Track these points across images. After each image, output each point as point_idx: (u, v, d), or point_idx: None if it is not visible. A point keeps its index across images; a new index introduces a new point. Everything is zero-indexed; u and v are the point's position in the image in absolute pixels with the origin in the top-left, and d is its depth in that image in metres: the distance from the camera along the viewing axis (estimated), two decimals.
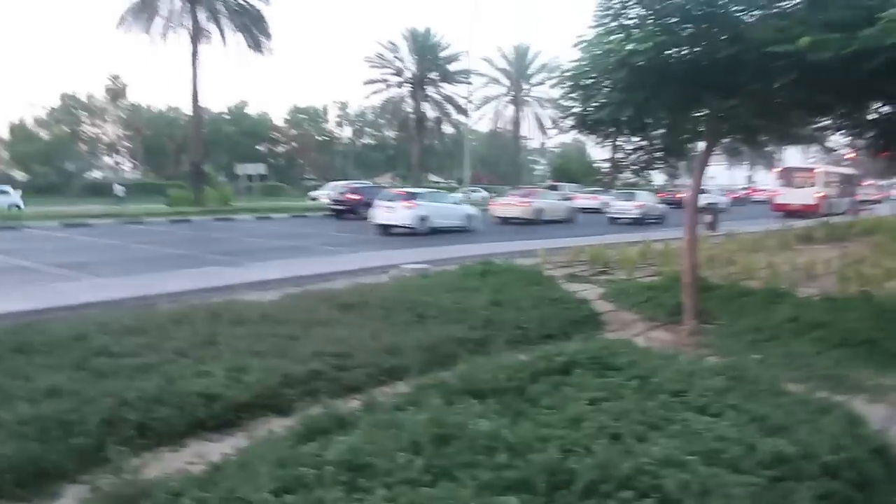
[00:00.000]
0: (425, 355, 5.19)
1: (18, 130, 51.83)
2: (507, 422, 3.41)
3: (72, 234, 18.35)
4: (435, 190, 24.72)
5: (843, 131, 7.53)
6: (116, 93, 52.36)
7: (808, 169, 33.06)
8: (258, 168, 39.61)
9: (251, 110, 62.65)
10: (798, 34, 5.58)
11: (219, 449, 3.58)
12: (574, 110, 8.03)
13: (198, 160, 31.57)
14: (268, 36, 31.08)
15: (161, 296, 8.00)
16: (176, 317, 6.14)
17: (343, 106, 66.53)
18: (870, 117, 7.11)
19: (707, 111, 6.92)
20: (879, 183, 54.51)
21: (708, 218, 18.92)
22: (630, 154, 8.29)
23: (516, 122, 52.42)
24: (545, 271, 9.91)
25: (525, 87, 52.32)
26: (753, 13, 6.42)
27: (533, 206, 24.89)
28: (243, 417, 4.10)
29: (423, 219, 19.33)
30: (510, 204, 25.78)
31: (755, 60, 6.01)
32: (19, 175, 48.30)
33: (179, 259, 12.72)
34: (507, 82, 52.84)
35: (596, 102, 7.55)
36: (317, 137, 64.80)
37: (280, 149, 64.31)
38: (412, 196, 20.21)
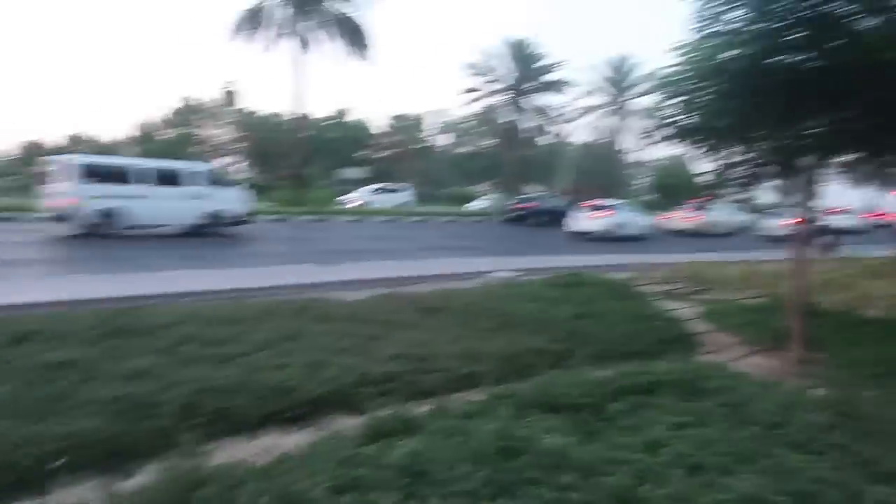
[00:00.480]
0: (503, 364, 5.05)
1: (144, 130, 55.95)
2: (578, 440, 3.22)
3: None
4: (624, 202, 26.56)
5: None
6: (230, 97, 55.46)
7: None
8: (358, 173, 40.73)
9: (353, 117, 64.58)
10: None
11: (288, 442, 3.60)
12: (670, 119, 7.68)
13: (299, 163, 32.81)
14: (368, 44, 31.89)
15: (256, 289, 8.27)
16: (265, 310, 6.30)
17: (441, 114, 67.30)
18: None
19: (816, 123, 6.37)
20: None
21: (828, 239, 17.63)
22: (732, 167, 7.80)
23: (615, 134, 51.16)
24: (640, 285, 9.52)
25: (626, 98, 51.01)
26: (871, 18, 5.86)
27: (705, 220, 26.47)
28: (316, 412, 4.11)
29: (618, 226, 22.91)
30: (683, 217, 27.35)
31: (872, 68, 5.49)
32: None
33: (274, 257, 13.18)
34: (608, 92, 51.74)
35: (693, 111, 7.18)
36: (414, 145, 65.89)
37: (379, 155, 65.87)
38: (610, 207, 23.81)
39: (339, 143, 58.82)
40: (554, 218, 26.66)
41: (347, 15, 31.82)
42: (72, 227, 14.59)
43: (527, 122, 46.01)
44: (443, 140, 69.09)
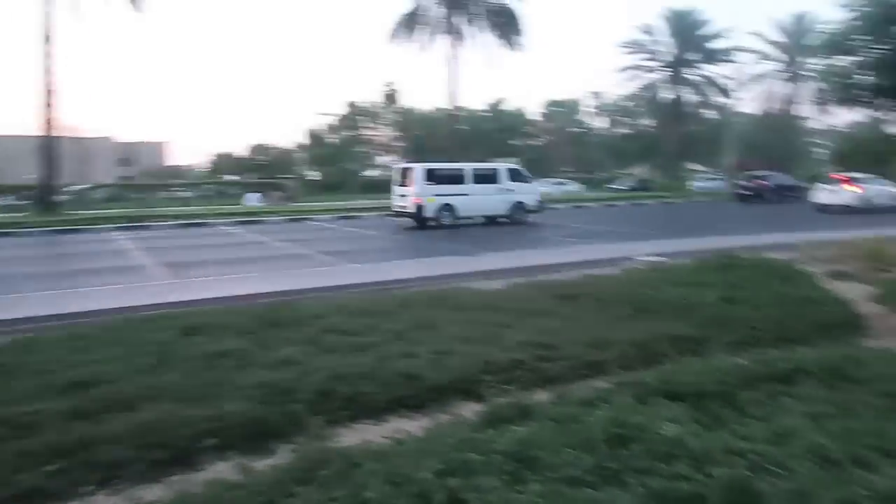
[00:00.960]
0: (632, 352, 4.89)
1: (314, 136, 60.14)
2: (698, 429, 3.06)
3: (341, 225, 20.70)
4: (873, 176, 23.99)
5: None
6: (390, 98, 58.00)
7: None
8: (513, 162, 40.90)
9: (508, 106, 64.76)
10: None
11: (411, 426, 3.77)
12: (842, 80, 6.95)
13: (451, 157, 33.63)
14: (520, 33, 31.84)
15: (397, 281, 8.67)
16: (402, 301, 6.60)
17: (597, 96, 65.52)
18: None
19: None
20: None
21: None
22: None
23: (790, 101, 46.63)
24: (806, 265, 8.71)
25: (800, 61, 46.24)
26: None
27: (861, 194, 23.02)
28: (440, 399, 4.25)
29: (865, 200, 22.17)
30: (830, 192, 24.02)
31: None
32: (312, 174, 56.28)
33: (419, 250, 13.65)
34: (781, 57, 47.26)
35: (867, 68, 6.45)
36: (571, 130, 64.78)
37: (535, 143, 65.53)
38: (857, 180, 22.86)
39: (494, 134, 59.36)
40: (785, 195, 28.37)
41: (499, 5, 32.03)
42: (417, 220, 18.47)
43: (690, 97, 43.55)
44: (599, 123, 67.31)
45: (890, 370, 3.88)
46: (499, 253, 12.50)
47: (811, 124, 49.73)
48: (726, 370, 3.87)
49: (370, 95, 64.57)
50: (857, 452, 2.80)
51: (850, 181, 22.83)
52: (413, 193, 18.21)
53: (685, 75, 42.50)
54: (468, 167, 19.88)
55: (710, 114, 47.04)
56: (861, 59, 5.90)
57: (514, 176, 20.13)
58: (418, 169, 18.61)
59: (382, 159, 58.34)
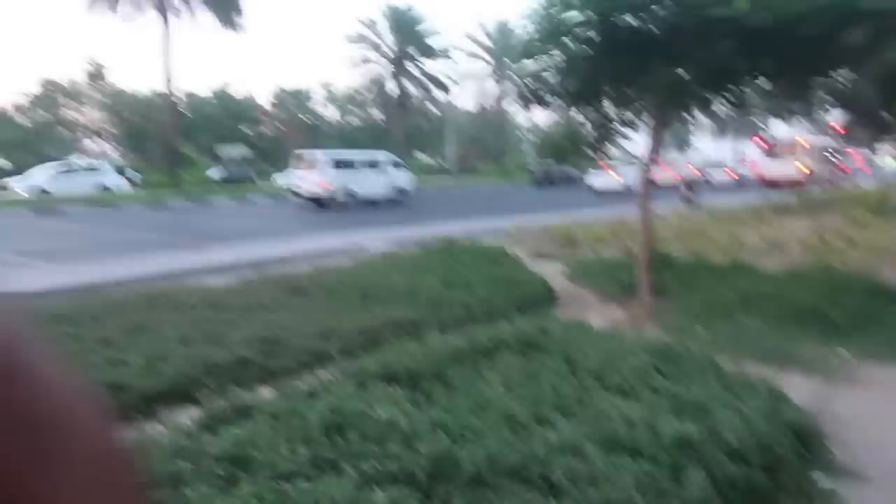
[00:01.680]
0: (357, 339, 5.05)
1: (1, 114, 51.17)
2: (409, 409, 3.27)
3: (45, 219, 18.07)
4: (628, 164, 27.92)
5: (794, 100, 7.36)
6: (95, 76, 51.61)
7: (792, 141, 32.82)
8: (239, 150, 39.25)
9: (236, 93, 61.89)
10: None
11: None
12: (529, 83, 7.87)
13: (173, 143, 31.18)
14: (239, 12, 30.56)
15: (110, 283, 7.82)
16: (111, 304, 5.98)
17: (328, 86, 65.79)
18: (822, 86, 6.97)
19: (656, 80, 6.70)
20: (865, 154, 54.02)
21: (686, 192, 18.79)
22: (588, 127, 8.11)
23: (499, 99, 51.94)
24: (510, 250, 9.78)
25: (505, 64, 51.67)
26: None
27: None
28: (154, 408, 3.95)
29: (624, 184, 27.26)
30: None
31: (697, 26, 5.81)
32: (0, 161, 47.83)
33: (140, 245, 12.52)
34: (490, 59, 52.30)
35: (546, 74, 7.39)
36: (303, 119, 64.19)
37: (266, 131, 63.67)
38: (616, 169, 27.79)
39: (222, 120, 56.26)
40: (570, 181, 36.49)
41: None
42: (321, 203, 20.67)
43: (413, 91, 45.86)
44: (330, 113, 67.69)
45: (568, 336, 4.54)
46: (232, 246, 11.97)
47: (519, 120, 55.86)
48: (439, 349, 4.18)
49: (74, 73, 56.86)
50: (539, 413, 3.23)
51: (612, 169, 28.10)
52: (322, 180, 20.77)
53: (407, 69, 44.71)
54: (362, 155, 23.07)
55: (433, 108, 50.22)
56: (542, 65, 6.94)
57: (395, 164, 23.88)
58: (326, 157, 21.50)
59: (93, 145, 51.91)
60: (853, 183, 30.19)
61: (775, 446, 3.03)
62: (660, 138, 7.54)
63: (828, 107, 8.50)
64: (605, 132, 8.17)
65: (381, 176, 22.71)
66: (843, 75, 7.40)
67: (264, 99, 64.77)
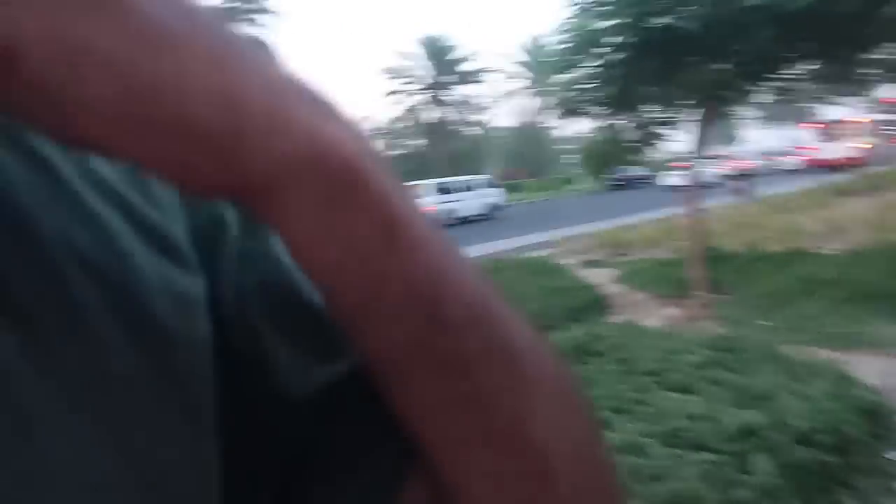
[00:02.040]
0: None
1: None
2: None
3: None
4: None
5: (841, 82, 7.18)
6: None
7: (848, 120, 31.71)
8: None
9: None
10: None
11: None
12: (566, 94, 7.95)
13: None
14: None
15: None
16: None
17: (368, 121, 67.22)
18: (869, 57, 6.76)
19: (695, 77, 6.65)
20: None
21: (739, 185, 18.37)
22: (630, 132, 8.11)
23: (538, 113, 51.97)
24: (560, 259, 9.76)
25: (542, 78, 51.72)
26: None
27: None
28: None
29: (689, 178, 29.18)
30: None
31: (733, 18, 5.77)
32: None
33: None
34: (526, 74, 52.46)
35: (583, 84, 7.45)
36: None
37: None
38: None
39: None
40: (643, 182, 37.05)
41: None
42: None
43: (452, 116, 46.39)
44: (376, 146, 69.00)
45: (622, 340, 4.52)
46: None
47: (560, 132, 55.68)
48: None
49: None
50: (598, 415, 3.24)
51: (683, 165, 27.72)
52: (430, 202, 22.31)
53: (444, 97, 45.29)
54: (460, 180, 25.89)
55: (473, 130, 50.57)
56: (577, 75, 7.00)
57: (489, 184, 26.65)
58: (427, 185, 23.40)
59: None
60: None
61: (844, 427, 2.95)
62: (705, 134, 7.45)
63: (878, 82, 8.24)
64: (648, 134, 8.14)
65: (476, 196, 25.00)
66: (888, 48, 7.19)
67: None
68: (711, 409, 3.12)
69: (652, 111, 7.90)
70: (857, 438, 2.93)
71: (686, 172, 28.39)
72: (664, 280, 7.46)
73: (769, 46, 6.01)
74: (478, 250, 12.07)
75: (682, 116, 7.92)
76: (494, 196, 26.42)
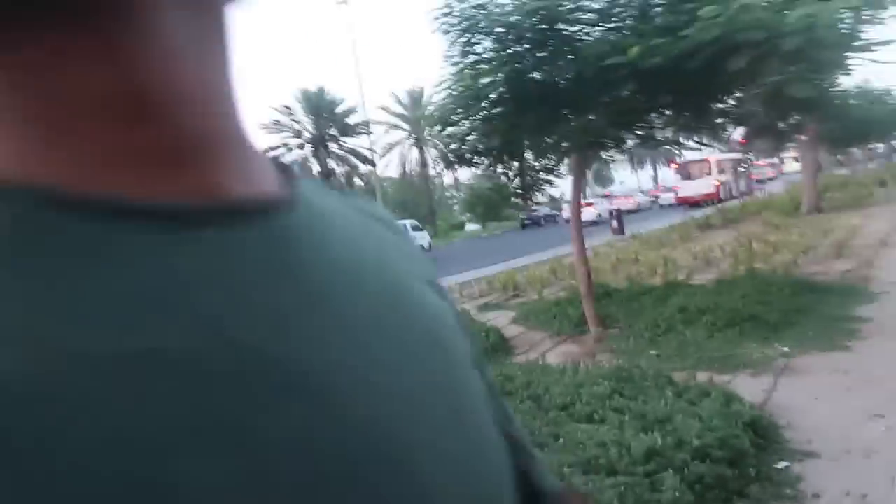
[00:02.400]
0: None
1: None
2: None
3: None
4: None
5: (697, 128, 8.02)
6: None
7: (701, 160, 34.80)
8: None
9: None
10: (630, 45, 5.96)
11: None
12: (450, 146, 8.31)
13: None
14: None
15: None
16: None
17: None
18: (719, 107, 7.63)
19: (567, 129, 7.20)
20: (773, 161, 57.47)
21: (614, 223, 19.63)
22: (513, 179, 8.57)
23: (423, 164, 53.19)
24: (462, 302, 10.01)
25: (421, 129, 53.12)
26: (591, 31, 6.81)
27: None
28: None
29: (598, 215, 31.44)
30: None
31: (598, 74, 6.35)
32: None
33: None
34: (406, 126, 53.70)
35: (465, 136, 7.83)
36: None
37: None
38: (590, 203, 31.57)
39: None
40: (550, 220, 40.84)
41: None
42: None
43: (336, 168, 46.42)
44: None
45: (531, 378, 4.76)
46: None
47: (446, 180, 57.14)
48: None
49: None
50: None
51: (588, 204, 30.10)
52: None
53: (329, 149, 45.35)
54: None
55: (358, 181, 50.86)
56: (462, 129, 7.42)
57: (414, 228, 28.05)
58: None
59: None
60: (764, 190, 32.12)
61: (734, 442, 3.29)
62: (581, 179, 8.04)
63: (729, 126, 9.24)
64: (530, 181, 8.66)
65: None
66: (736, 97, 8.12)
67: None
68: (619, 435, 3.38)
69: (532, 159, 8.45)
70: (746, 451, 3.28)
71: (569, 213, 30.30)
72: (559, 318, 7.87)
73: (632, 98, 6.66)
74: None
75: (560, 163, 8.52)
76: (420, 239, 26.79)
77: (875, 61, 6.54)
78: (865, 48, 6.24)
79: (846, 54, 6.28)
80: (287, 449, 0.26)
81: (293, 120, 44.43)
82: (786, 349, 5.31)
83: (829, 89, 8.07)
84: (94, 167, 0.26)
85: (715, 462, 3.09)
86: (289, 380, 0.27)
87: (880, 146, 41.70)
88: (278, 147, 44.17)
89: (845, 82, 12.64)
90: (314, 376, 0.28)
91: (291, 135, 44.69)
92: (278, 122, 43.97)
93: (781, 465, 3.32)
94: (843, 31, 5.86)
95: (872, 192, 21.27)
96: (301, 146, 44.87)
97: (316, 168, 45.32)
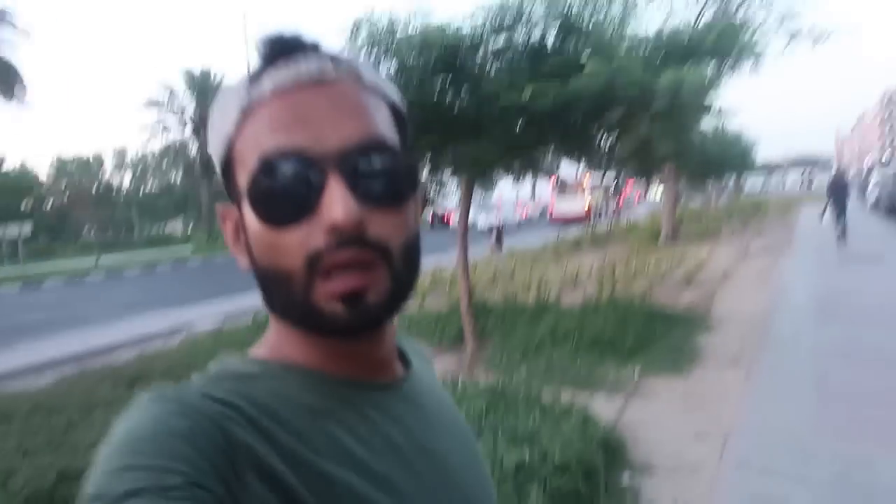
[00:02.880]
0: None
1: None
2: None
3: None
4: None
5: (578, 160, 8.80)
6: None
7: (576, 182, 36.96)
8: (23, 228, 35.52)
9: (12, 166, 55.93)
10: (524, 84, 6.50)
11: None
12: None
13: None
14: (23, 85, 28.10)
15: None
16: None
17: (121, 153, 61.91)
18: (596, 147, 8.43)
19: (462, 154, 7.66)
20: (640, 189, 61.69)
21: (492, 238, 20.47)
22: None
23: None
24: None
25: None
26: (489, 67, 7.32)
27: None
28: None
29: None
30: None
31: (494, 107, 6.87)
32: None
33: None
34: None
35: None
36: (91, 189, 59.49)
37: (49, 205, 58.00)
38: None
39: None
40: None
41: None
42: None
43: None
44: (126, 181, 63.52)
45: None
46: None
47: None
48: None
49: None
50: None
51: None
52: None
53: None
54: None
55: None
56: None
57: None
58: None
59: None
60: (630, 215, 34.60)
61: (588, 458, 3.82)
62: (469, 198, 8.54)
63: (604, 156, 10.10)
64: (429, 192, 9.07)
65: None
66: (613, 139, 8.98)
67: (46, 171, 59.32)
68: (493, 450, 3.80)
69: (428, 177, 8.87)
70: (598, 466, 3.81)
71: (455, 226, 30.19)
72: (438, 331, 8.30)
73: (522, 133, 7.24)
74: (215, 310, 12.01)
75: (451, 181, 9.00)
76: None
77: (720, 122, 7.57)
78: (713, 110, 7.24)
79: (701, 114, 7.23)
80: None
81: (174, 100, 42.33)
82: (637, 372, 6.03)
83: (689, 137, 9.13)
84: (352, 367, 0.62)
85: (573, 476, 3.58)
86: (446, 474, 0.64)
87: (731, 182, 46.15)
88: (155, 125, 41.96)
89: (704, 124, 14.22)
90: (452, 472, 0.66)
91: (171, 114, 42.54)
92: (158, 101, 41.71)
93: (626, 478, 3.89)
94: (700, 95, 6.76)
95: (721, 225, 23.65)
96: (181, 128, 42.80)
97: (193, 152, 43.43)
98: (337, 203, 0.54)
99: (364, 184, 0.56)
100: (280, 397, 0.59)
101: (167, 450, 0.50)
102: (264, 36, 0.62)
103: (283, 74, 0.59)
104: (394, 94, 0.66)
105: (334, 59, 0.61)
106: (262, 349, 0.66)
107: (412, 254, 0.62)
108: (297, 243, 0.56)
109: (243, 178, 0.60)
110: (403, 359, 0.74)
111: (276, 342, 0.65)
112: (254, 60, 0.63)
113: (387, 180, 0.58)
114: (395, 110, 0.65)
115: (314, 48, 0.62)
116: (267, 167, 0.56)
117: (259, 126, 0.58)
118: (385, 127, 0.61)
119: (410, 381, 0.71)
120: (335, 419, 0.59)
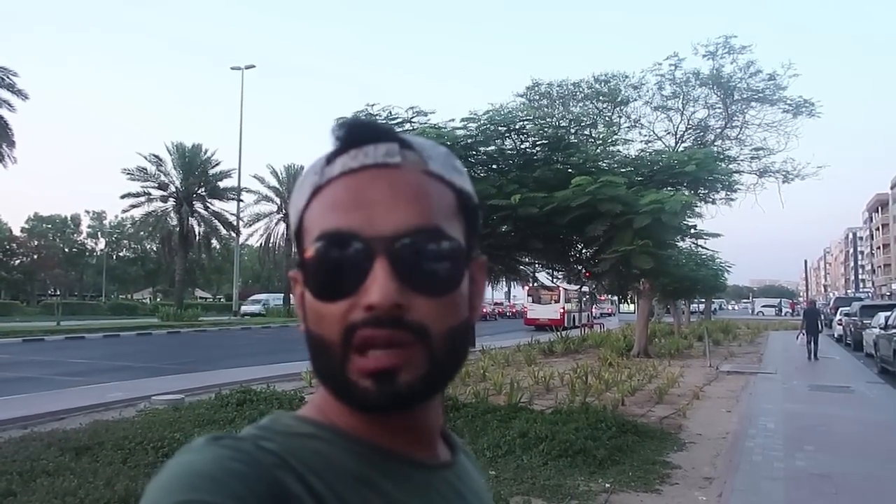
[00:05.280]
0: None
1: None
2: None
3: None
4: None
5: (556, 267, 8.96)
6: None
7: (552, 287, 37.38)
8: None
9: None
10: (512, 191, 6.72)
11: None
12: None
13: None
14: (11, 144, 28.20)
15: None
16: None
17: (98, 216, 61.57)
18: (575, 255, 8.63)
19: None
20: (613, 298, 62.47)
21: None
22: None
23: (288, 239, 52.52)
24: (309, 394, 9.93)
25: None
26: (480, 170, 7.59)
27: None
28: None
29: None
30: None
31: (482, 210, 7.05)
32: None
33: None
34: (277, 200, 53.20)
35: None
36: (65, 249, 58.68)
37: (17, 262, 56.87)
38: None
39: None
40: None
41: None
42: None
43: (197, 228, 44.61)
44: (100, 245, 62.82)
45: None
46: None
47: None
48: None
49: None
50: None
51: None
52: None
53: (194, 208, 43.71)
54: None
55: (217, 245, 49.12)
56: None
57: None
58: None
59: None
60: (603, 326, 34.81)
61: None
62: None
63: (581, 264, 10.31)
64: None
65: None
66: (592, 251, 9.21)
67: (17, 228, 58.54)
68: None
69: None
70: None
71: None
72: None
73: (506, 236, 7.42)
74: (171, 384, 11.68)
75: None
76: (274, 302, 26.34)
77: (695, 243, 7.85)
78: (690, 233, 7.51)
79: (679, 236, 7.50)
80: None
81: (160, 171, 42.61)
82: (608, 485, 5.89)
83: (666, 258, 9.39)
84: (394, 441, 0.62)
85: None
86: None
87: (702, 302, 47.03)
88: (138, 195, 42.00)
89: (679, 246, 14.69)
90: None
91: (156, 185, 42.69)
92: (144, 170, 41.95)
93: None
94: (679, 217, 7.04)
95: (692, 343, 23.84)
96: (164, 199, 42.87)
97: (174, 223, 43.31)
98: (376, 285, 0.56)
99: (409, 269, 0.57)
100: (327, 459, 0.60)
101: (224, 488, 0.50)
102: (341, 121, 0.66)
103: (351, 157, 0.63)
104: (463, 183, 0.67)
105: (403, 144, 0.64)
106: (310, 410, 0.66)
107: (456, 340, 0.62)
108: (338, 316, 0.58)
109: (305, 251, 0.63)
110: (450, 446, 0.73)
111: (323, 405, 0.66)
112: (328, 144, 0.66)
113: (434, 267, 0.59)
114: (462, 199, 0.67)
115: (387, 133, 0.65)
116: (321, 244, 0.59)
117: (323, 204, 0.61)
118: (443, 215, 0.61)
119: (455, 469, 0.70)
120: (377, 491, 0.60)
